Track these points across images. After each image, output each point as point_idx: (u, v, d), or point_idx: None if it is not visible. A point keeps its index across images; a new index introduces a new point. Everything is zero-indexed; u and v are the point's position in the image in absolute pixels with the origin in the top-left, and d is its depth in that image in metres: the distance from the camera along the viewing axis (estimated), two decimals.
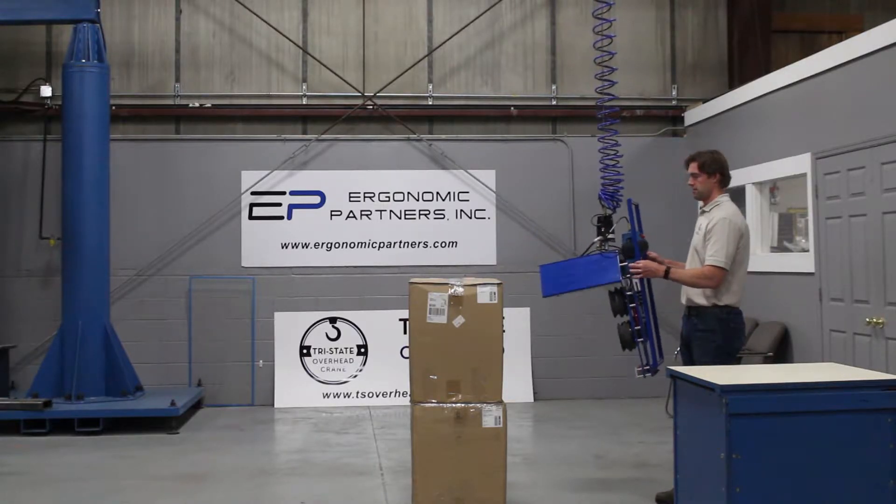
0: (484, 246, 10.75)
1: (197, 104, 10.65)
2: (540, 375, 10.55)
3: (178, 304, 10.43)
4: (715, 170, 6.06)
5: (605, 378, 10.60)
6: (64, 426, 8.57)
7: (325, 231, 10.63)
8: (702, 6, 11.25)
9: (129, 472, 7.23)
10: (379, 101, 10.72)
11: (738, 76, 10.72)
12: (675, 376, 4.79)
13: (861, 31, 8.72)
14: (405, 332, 10.00)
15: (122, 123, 10.45)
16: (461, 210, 10.78)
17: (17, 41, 10.49)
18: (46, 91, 10.20)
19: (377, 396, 10.29)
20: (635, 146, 10.54)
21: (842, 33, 10.83)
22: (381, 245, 10.69)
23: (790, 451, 4.19)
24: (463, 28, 10.82)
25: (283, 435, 8.95)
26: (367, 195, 10.71)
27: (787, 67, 8.83)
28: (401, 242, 10.70)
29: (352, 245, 10.66)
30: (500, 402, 5.67)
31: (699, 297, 5.90)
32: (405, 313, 9.36)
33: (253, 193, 10.55)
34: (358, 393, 10.31)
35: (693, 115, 10.82)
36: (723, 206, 5.99)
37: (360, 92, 10.71)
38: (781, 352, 8.65)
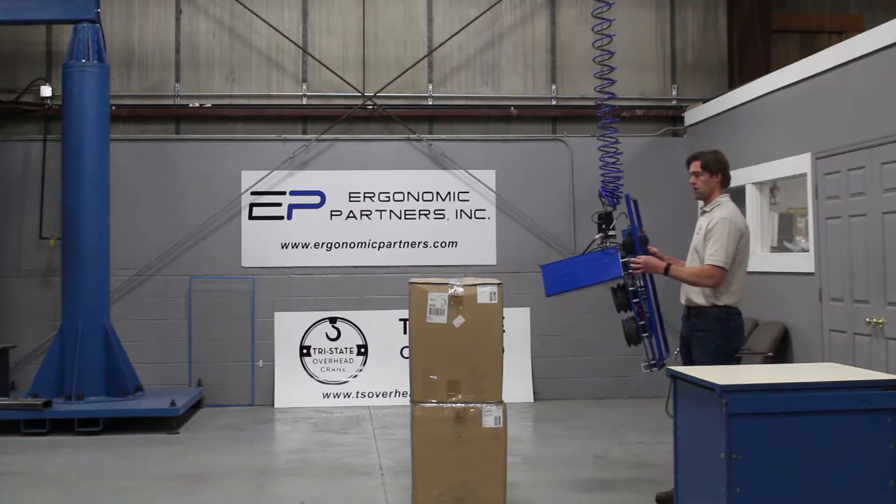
0: (484, 246, 10.75)
1: (197, 104, 10.65)
2: (540, 375, 10.55)
3: (178, 304, 10.42)
4: (717, 170, 6.06)
5: (605, 378, 10.61)
6: (64, 426, 8.57)
7: (325, 231, 10.63)
8: (702, 6, 11.25)
9: (129, 472, 7.23)
10: (379, 101, 10.72)
11: (738, 76, 10.72)
12: (675, 376, 4.79)
13: (861, 31, 8.72)
14: (405, 332, 10.00)
15: (122, 123, 10.45)
16: (461, 210, 10.78)
17: (17, 41, 10.49)
18: (46, 91, 10.20)
19: (377, 396, 10.29)
20: (635, 146, 10.54)
21: (842, 33, 10.83)
22: (381, 245, 10.69)
23: (790, 451, 4.19)
24: (463, 28, 10.82)
25: (283, 435, 8.95)
26: (367, 195, 10.71)
27: (787, 67, 8.83)
28: (401, 242, 10.70)
29: (352, 245, 10.66)
30: (500, 402, 5.67)
31: (699, 297, 5.90)
32: (405, 313, 9.36)
33: (253, 193, 10.55)
34: (358, 393, 10.31)
35: (693, 115, 10.82)
36: (723, 207, 5.99)
37: (360, 92, 10.71)
38: (781, 352, 8.65)
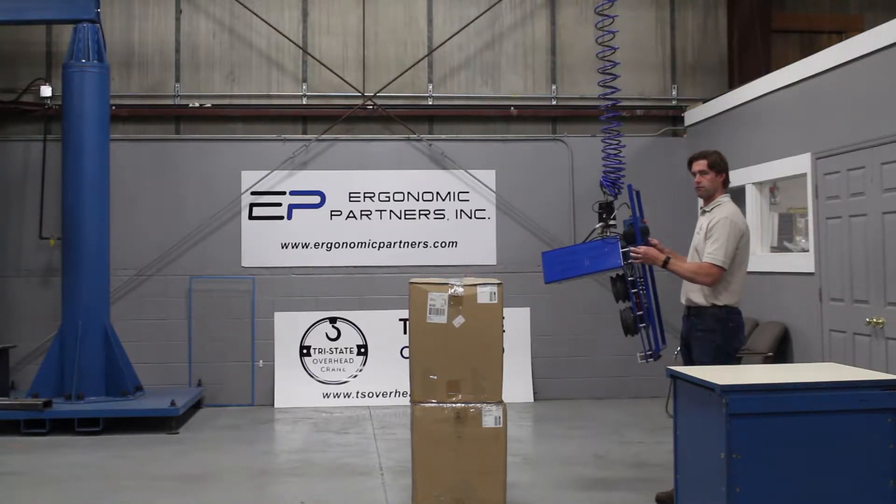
0: (484, 246, 10.76)
1: (197, 104, 10.66)
2: (540, 375, 10.55)
3: (178, 304, 10.43)
4: (722, 169, 6.08)
5: (605, 378, 10.61)
6: (64, 426, 8.57)
7: (325, 231, 10.63)
8: (702, 6, 11.25)
9: (129, 472, 7.23)
10: (379, 101, 10.72)
11: (738, 76, 10.72)
12: (675, 376, 4.79)
13: (861, 31, 8.72)
14: (405, 332, 10.00)
15: (122, 123, 10.45)
16: (461, 210, 10.78)
17: (17, 41, 10.49)
18: (46, 91, 10.19)
19: (377, 396, 10.29)
20: (635, 146, 10.53)
21: (842, 33, 10.83)
22: (381, 245, 10.69)
23: (790, 451, 4.19)
24: (463, 28, 10.82)
25: (283, 435, 8.95)
26: (367, 195, 10.71)
27: (787, 67, 8.83)
28: (401, 242, 10.71)
29: (352, 245, 10.66)
30: (500, 402, 5.67)
31: (699, 296, 5.90)
32: (405, 313, 9.36)
33: (253, 193, 10.56)
34: (358, 393, 10.31)
35: (693, 115, 10.82)
36: (724, 206, 5.99)
37: (360, 92, 10.71)
38: (781, 352, 8.65)
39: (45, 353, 9.47)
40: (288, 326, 10.40)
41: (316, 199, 10.68)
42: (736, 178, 9.24)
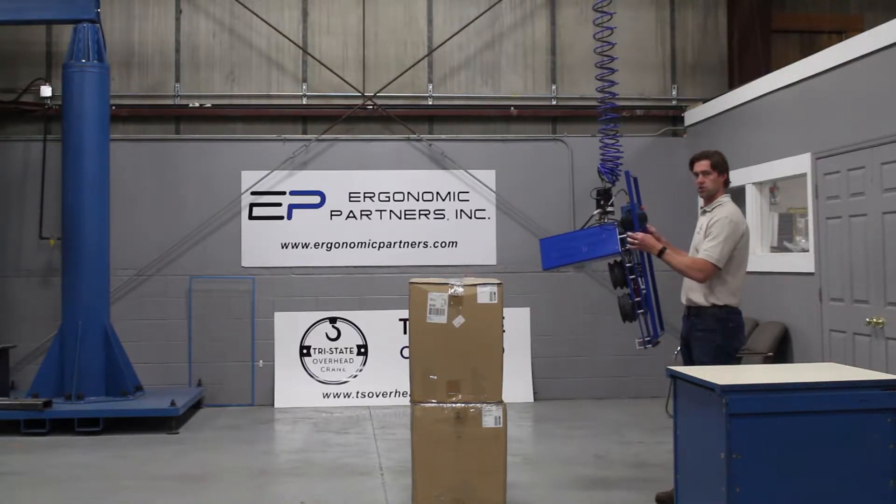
0: (484, 246, 10.76)
1: (197, 104, 10.66)
2: (540, 375, 10.55)
3: (178, 304, 10.43)
4: (724, 169, 6.08)
5: (605, 378, 10.61)
6: (64, 426, 8.57)
7: (325, 231, 10.63)
8: (702, 6, 11.25)
9: (129, 472, 7.23)
10: (379, 101, 10.72)
11: (738, 76, 10.72)
12: (675, 376, 4.79)
13: (861, 31, 8.72)
14: (405, 332, 10.00)
15: (122, 123, 10.45)
16: (461, 210, 10.78)
17: (17, 41, 10.49)
18: (46, 91, 10.19)
19: (377, 396, 10.29)
20: (635, 146, 10.54)
21: (842, 33, 10.83)
22: (381, 245, 10.69)
23: (790, 451, 4.19)
24: (463, 28, 10.82)
25: (283, 435, 8.95)
26: (367, 195, 10.71)
27: (787, 67, 8.84)
28: (401, 242, 10.71)
29: (352, 245, 10.67)
30: (500, 402, 5.67)
31: (698, 296, 5.90)
32: (405, 313, 9.36)
33: (253, 193, 10.56)
34: (358, 393, 10.31)
35: (693, 115, 10.82)
36: (725, 206, 5.99)
37: (360, 92, 10.71)
38: (781, 352, 8.65)
39: (45, 353, 9.46)
40: (288, 326, 10.40)
41: (316, 199, 10.68)
42: (736, 178, 9.24)
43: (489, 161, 10.79)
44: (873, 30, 7.46)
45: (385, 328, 10.39)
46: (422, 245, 10.72)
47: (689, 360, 6.00)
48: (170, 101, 10.69)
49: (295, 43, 10.76)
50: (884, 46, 7.18)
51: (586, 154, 10.30)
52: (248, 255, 10.55)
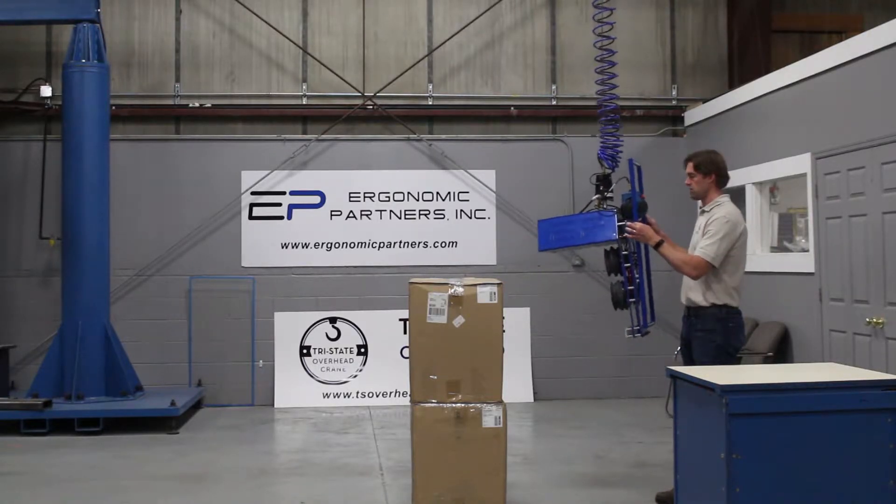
0: (484, 246, 10.76)
1: (197, 104, 10.66)
2: (540, 375, 10.55)
3: (178, 304, 10.43)
4: (711, 170, 6.05)
5: (605, 378, 10.61)
6: (64, 426, 8.57)
7: (325, 231, 10.63)
8: (702, 6, 11.25)
9: (129, 472, 7.23)
10: (379, 101, 10.72)
11: (738, 76, 10.72)
12: (675, 376, 4.79)
13: (861, 31, 8.72)
14: (405, 332, 10.00)
15: (122, 123, 10.45)
16: (461, 210, 10.79)
17: (17, 41, 10.49)
18: (46, 91, 10.19)
19: (377, 396, 10.29)
20: (635, 146, 10.50)
21: (842, 33, 10.83)
22: (381, 245, 10.69)
23: (790, 451, 4.19)
24: (463, 28, 10.82)
25: (283, 435, 8.95)
26: (367, 195, 10.72)
27: (787, 67, 8.84)
28: (401, 242, 10.71)
29: (352, 245, 10.67)
30: (500, 402, 5.67)
31: (698, 296, 5.90)
32: (405, 313, 9.35)
33: (253, 193, 10.56)
34: (358, 393, 10.31)
35: (693, 115, 10.82)
36: (723, 206, 5.99)
37: (360, 92, 10.71)
38: (781, 352, 8.65)
39: (45, 353, 9.46)
40: (288, 326, 10.40)
41: (316, 199, 10.68)
42: (736, 178, 9.23)
43: (489, 161, 10.79)
44: (873, 30, 7.46)
45: (385, 328, 10.39)
46: (422, 245, 10.72)
47: (689, 360, 6.00)
48: (170, 101, 10.69)
49: (295, 43, 10.76)
50: (884, 46, 7.18)
51: (586, 154, 10.26)
52: (248, 255, 10.55)
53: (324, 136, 10.64)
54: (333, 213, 10.66)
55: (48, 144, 10.31)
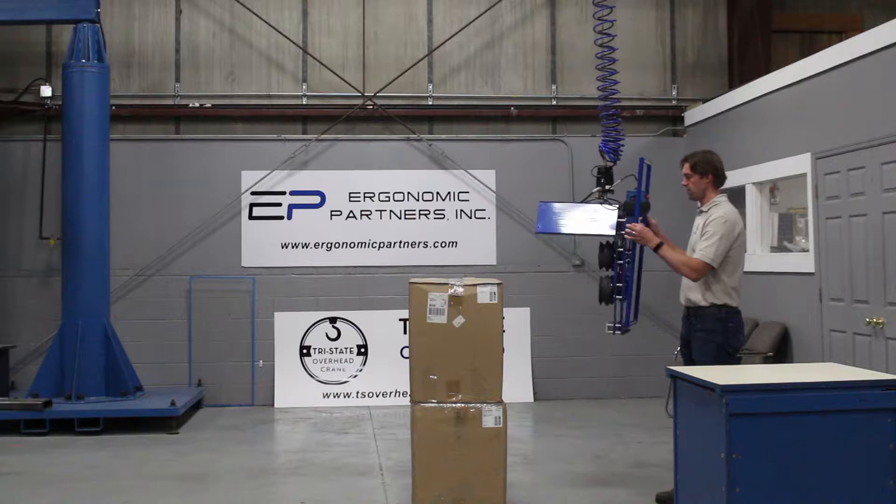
0: (484, 246, 10.76)
1: (197, 104, 10.66)
2: (540, 375, 10.55)
3: (178, 304, 10.43)
4: (707, 170, 6.06)
5: (605, 378, 10.62)
6: (64, 426, 8.57)
7: (325, 231, 10.63)
8: (702, 6, 11.25)
9: (129, 472, 7.23)
10: (379, 101, 10.72)
11: (738, 76, 10.72)
12: (675, 376, 4.79)
13: (861, 31, 8.72)
14: (405, 332, 10.00)
15: (122, 123, 10.45)
16: (461, 210, 10.78)
17: (17, 41, 10.48)
18: (46, 91, 10.19)
19: (377, 396, 10.29)
20: (635, 146, 10.47)
21: (842, 33, 10.83)
22: (381, 245, 10.69)
23: (790, 451, 4.19)
24: (463, 28, 10.82)
25: (283, 435, 8.95)
26: (367, 195, 10.71)
27: (787, 67, 8.84)
28: (401, 242, 10.71)
29: (352, 245, 10.67)
30: (500, 402, 5.67)
31: (697, 296, 5.90)
32: (405, 313, 9.35)
33: (253, 193, 10.56)
34: (358, 393, 10.31)
35: (693, 115, 10.82)
36: (721, 206, 5.99)
37: (360, 92, 10.71)
38: (781, 352, 8.65)
39: (45, 353, 9.47)
40: (288, 326, 10.40)
41: (316, 199, 10.68)
42: (736, 178, 9.27)
43: (489, 161, 10.79)
44: (873, 30, 7.46)
45: (385, 328, 10.39)
46: (422, 245, 10.72)
47: (689, 361, 6.00)
48: (170, 101, 10.69)
49: (295, 43, 10.76)
50: (884, 46, 7.18)
51: (586, 154, 10.27)
52: (248, 255, 10.55)
53: (324, 136, 10.64)
54: (333, 213, 10.66)
55: (48, 144, 10.31)
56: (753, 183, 9.35)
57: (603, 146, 6.68)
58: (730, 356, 5.83)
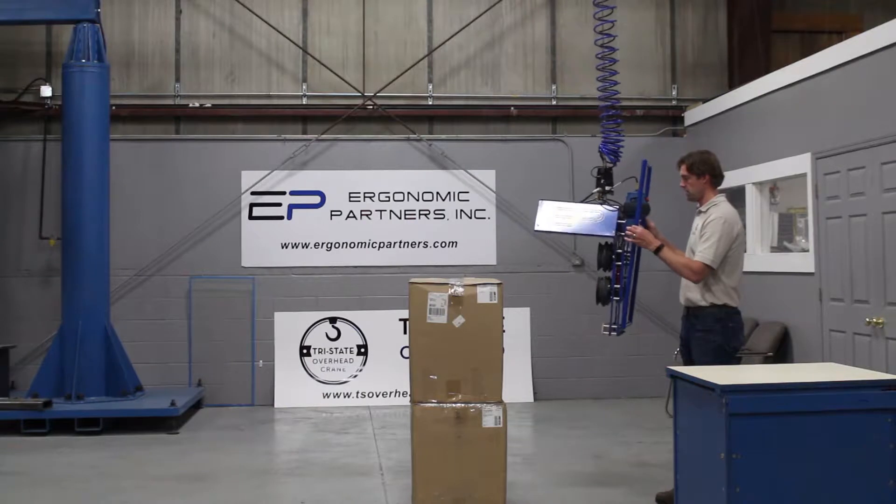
0: (484, 246, 10.76)
1: (197, 104, 10.65)
2: (540, 375, 10.55)
3: (178, 304, 10.43)
4: (704, 170, 6.06)
5: (605, 378, 10.61)
6: (64, 426, 8.57)
7: (325, 231, 10.63)
8: (702, 6, 11.25)
9: (129, 472, 7.23)
10: (379, 101, 10.72)
11: (738, 76, 10.71)
12: (675, 376, 4.79)
13: (861, 31, 8.72)
14: (405, 332, 10.00)
15: (122, 123, 10.45)
16: (461, 210, 10.78)
17: (17, 41, 10.49)
18: (46, 91, 10.19)
19: (377, 396, 10.29)
20: (635, 146, 10.47)
21: (842, 33, 10.82)
22: (381, 245, 10.69)
23: (790, 451, 4.19)
24: (463, 28, 10.82)
25: (283, 435, 8.96)
26: (367, 195, 10.71)
27: (787, 67, 8.84)
28: (401, 242, 10.71)
29: (352, 245, 10.67)
30: (500, 402, 5.67)
31: (697, 296, 5.91)
32: (405, 313, 9.34)
33: (253, 193, 10.56)
34: (358, 393, 10.31)
35: (693, 115, 10.82)
36: (719, 207, 5.99)
37: (360, 92, 10.71)
38: (781, 352, 8.65)
39: (45, 353, 9.47)
40: (288, 326, 10.40)
41: (316, 199, 10.68)
42: (736, 178, 9.28)
43: (489, 161, 10.79)
44: (873, 30, 7.46)
45: (385, 328, 10.39)
46: (422, 245, 10.72)
47: (688, 361, 6.00)
48: (170, 101, 10.69)
49: (295, 43, 10.76)
50: (884, 46, 7.18)
51: (586, 154, 10.25)
52: (248, 255, 10.55)
53: (324, 136, 10.64)
54: (333, 213, 10.66)
55: (48, 144, 10.31)
56: (753, 183, 9.35)
57: (603, 147, 6.69)
58: (729, 356, 5.83)
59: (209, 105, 10.67)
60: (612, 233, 6.13)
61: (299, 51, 10.78)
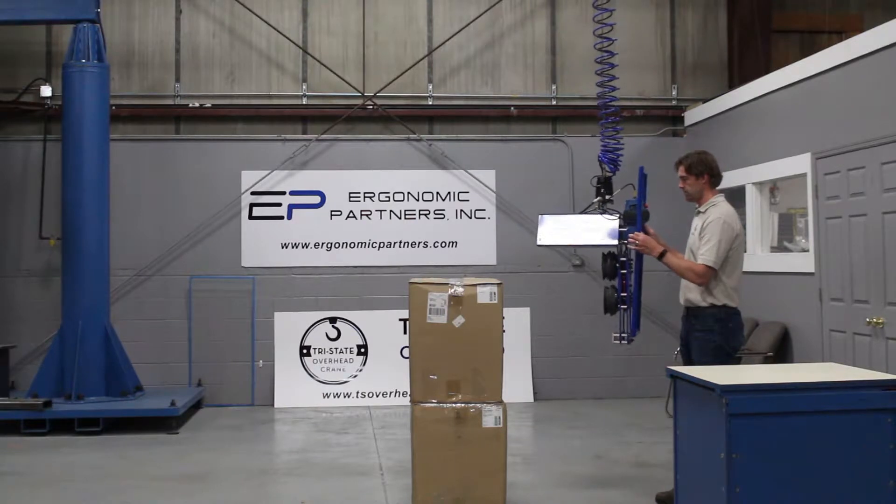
0: (484, 246, 10.76)
1: (197, 104, 10.65)
2: (540, 375, 10.55)
3: (178, 304, 10.43)
4: (702, 171, 6.06)
5: (605, 378, 10.62)
6: (64, 426, 8.57)
7: (325, 231, 10.63)
8: (702, 6, 11.25)
9: (129, 472, 7.23)
10: (379, 101, 10.72)
11: (738, 76, 10.71)
12: (675, 376, 4.79)
13: (861, 31, 8.72)
14: (405, 332, 10.00)
15: (122, 123, 10.45)
16: (461, 210, 10.78)
17: (17, 41, 10.48)
18: (46, 91, 10.19)
19: (377, 396, 10.29)
20: (635, 146, 10.50)
21: (842, 33, 10.82)
22: (381, 245, 10.69)
23: (790, 451, 4.19)
24: (463, 28, 10.82)
25: (283, 435, 8.96)
26: (367, 195, 10.72)
27: (787, 67, 8.84)
28: (401, 242, 10.71)
29: (352, 245, 10.67)
30: (500, 402, 5.67)
31: (696, 296, 5.91)
32: (405, 313, 9.35)
33: (253, 193, 10.56)
34: (358, 393, 10.31)
35: (693, 115, 10.82)
36: (718, 207, 6.00)
37: (360, 92, 10.71)
38: (781, 352, 8.65)
39: (45, 353, 9.47)
40: (288, 326, 10.40)
41: (316, 199, 10.68)
42: (736, 178, 9.28)
43: (489, 161, 10.79)
44: (873, 30, 7.46)
45: (385, 328, 10.40)
46: (422, 245, 10.72)
47: (688, 361, 6.00)
48: (170, 101, 10.69)
49: (295, 43, 10.76)
50: (884, 46, 7.18)
51: (586, 154, 10.28)
52: (248, 255, 10.55)
53: (324, 136, 10.64)
54: (333, 213, 10.66)
55: (48, 144, 10.31)
56: (753, 183, 9.35)
57: (602, 156, 6.70)
58: (729, 356, 5.83)
59: (209, 105, 10.67)
60: (615, 241, 6.14)
61: (299, 51, 10.78)
